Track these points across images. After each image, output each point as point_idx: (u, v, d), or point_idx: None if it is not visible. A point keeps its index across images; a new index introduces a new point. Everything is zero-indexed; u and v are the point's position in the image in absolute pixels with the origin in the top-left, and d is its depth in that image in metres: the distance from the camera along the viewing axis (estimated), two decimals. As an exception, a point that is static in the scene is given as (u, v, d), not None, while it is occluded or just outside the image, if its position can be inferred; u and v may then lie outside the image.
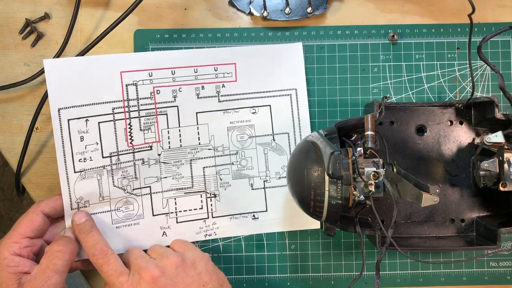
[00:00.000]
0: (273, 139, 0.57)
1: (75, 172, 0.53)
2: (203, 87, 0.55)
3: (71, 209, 0.53)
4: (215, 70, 0.55)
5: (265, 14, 0.56)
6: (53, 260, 0.47)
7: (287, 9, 0.56)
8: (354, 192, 0.45)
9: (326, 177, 0.45)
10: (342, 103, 0.58)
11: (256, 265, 0.57)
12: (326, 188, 0.45)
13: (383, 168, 0.46)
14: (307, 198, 0.47)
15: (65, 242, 0.49)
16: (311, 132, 0.57)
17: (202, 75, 0.55)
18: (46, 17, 0.57)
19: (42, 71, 0.55)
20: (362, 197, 0.45)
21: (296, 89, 0.56)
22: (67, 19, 0.56)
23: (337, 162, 0.44)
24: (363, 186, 0.45)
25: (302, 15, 0.56)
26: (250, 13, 0.57)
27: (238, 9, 0.57)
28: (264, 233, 0.57)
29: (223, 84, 0.55)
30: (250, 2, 0.57)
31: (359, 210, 0.51)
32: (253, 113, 0.56)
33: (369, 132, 0.47)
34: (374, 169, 0.45)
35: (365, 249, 0.57)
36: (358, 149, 0.47)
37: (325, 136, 0.48)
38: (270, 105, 0.56)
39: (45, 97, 0.55)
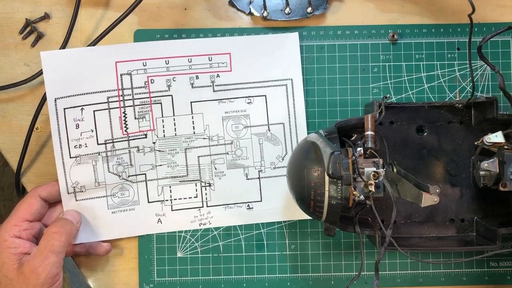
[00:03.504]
0: (268, 129, 0.57)
1: (70, 157, 0.55)
2: (197, 77, 0.56)
3: (68, 193, 0.55)
4: (209, 60, 0.55)
5: (265, 14, 0.56)
6: (50, 241, 0.49)
7: (287, 9, 0.56)
8: (354, 192, 0.45)
9: (326, 177, 0.45)
10: (342, 103, 0.58)
11: (256, 265, 0.57)
12: (326, 188, 0.45)
13: (383, 168, 0.46)
14: (307, 198, 0.47)
15: (62, 224, 0.51)
16: (312, 125, 0.57)
17: (196, 65, 0.56)
18: (46, 17, 0.57)
19: (42, 71, 0.55)
20: (362, 197, 0.45)
21: (292, 79, 0.56)
22: (67, 19, 0.56)
23: (337, 162, 0.44)
24: (363, 186, 0.45)
25: (302, 15, 0.56)
26: (250, 13, 0.57)
27: (238, 9, 0.57)
28: (264, 233, 0.57)
29: (217, 74, 0.56)
30: (250, 2, 0.57)
31: (359, 210, 0.51)
32: (248, 103, 0.56)
33: (369, 132, 0.47)
34: (374, 169, 0.45)
35: (365, 249, 0.57)
36: (358, 149, 0.47)
37: (325, 136, 0.48)
38: (265, 95, 0.56)
39: (45, 97, 0.55)
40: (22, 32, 0.58)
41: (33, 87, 0.57)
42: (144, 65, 0.55)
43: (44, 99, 0.55)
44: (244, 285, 0.57)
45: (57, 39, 0.58)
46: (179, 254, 0.58)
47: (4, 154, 0.58)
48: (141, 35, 0.58)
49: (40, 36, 0.57)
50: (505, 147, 0.48)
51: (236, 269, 0.57)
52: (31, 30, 0.57)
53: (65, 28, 0.56)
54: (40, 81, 0.57)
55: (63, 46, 0.55)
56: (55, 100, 0.54)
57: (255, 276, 0.57)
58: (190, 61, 0.55)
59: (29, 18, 0.57)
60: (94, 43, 0.54)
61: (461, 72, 0.58)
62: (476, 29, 0.58)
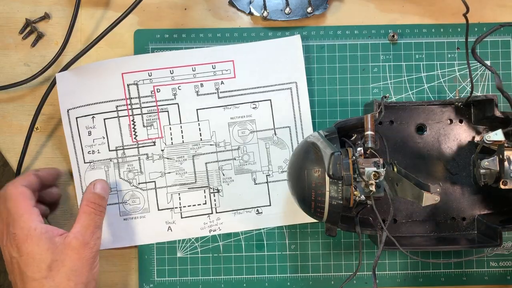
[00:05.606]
0: (275, 133, 0.57)
1: (84, 162, 0.56)
2: (202, 85, 0.56)
3: None
4: (213, 68, 0.56)
5: (265, 14, 0.56)
6: (94, 218, 0.51)
7: (287, 9, 0.56)
8: (355, 192, 0.45)
9: (327, 178, 0.45)
10: (342, 103, 0.58)
11: (256, 265, 0.57)
12: (327, 189, 0.45)
13: (384, 168, 0.46)
14: (307, 199, 0.47)
15: (100, 201, 0.52)
16: (312, 125, 0.57)
17: (200, 73, 0.56)
18: (46, 17, 0.57)
19: (42, 71, 0.55)
20: (363, 197, 0.45)
21: (296, 82, 0.57)
22: (67, 19, 0.56)
23: (337, 162, 0.44)
24: (364, 186, 0.45)
25: (302, 15, 0.56)
26: (250, 13, 0.57)
27: (238, 9, 0.57)
28: (264, 233, 0.57)
29: (222, 81, 0.56)
30: (250, 2, 0.57)
31: (359, 210, 0.51)
32: (253, 108, 0.56)
33: (369, 132, 0.47)
34: (375, 169, 0.45)
35: (365, 249, 0.57)
36: (358, 149, 0.47)
37: (325, 137, 0.48)
38: (270, 100, 0.57)
39: (45, 97, 0.55)
40: (22, 32, 0.58)
41: (33, 87, 0.57)
42: (149, 75, 0.56)
43: (44, 99, 0.55)
44: (244, 285, 0.57)
45: (57, 39, 0.58)
46: (179, 254, 0.58)
47: (4, 154, 0.58)
48: (141, 35, 0.58)
49: (40, 36, 0.57)
50: (505, 145, 0.48)
51: (236, 269, 0.57)
52: (31, 30, 0.57)
53: (65, 28, 0.56)
54: (40, 81, 0.57)
55: (63, 46, 0.55)
56: (68, 111, 0.56)
57: (255, 276, 0.57)
58: (194, 70, 0.56)
59: (29, 18, 0.57)
60: (94, 43, 0.54)
61: (461, 72, 0.58)
62: (476, 29, 0.58)
